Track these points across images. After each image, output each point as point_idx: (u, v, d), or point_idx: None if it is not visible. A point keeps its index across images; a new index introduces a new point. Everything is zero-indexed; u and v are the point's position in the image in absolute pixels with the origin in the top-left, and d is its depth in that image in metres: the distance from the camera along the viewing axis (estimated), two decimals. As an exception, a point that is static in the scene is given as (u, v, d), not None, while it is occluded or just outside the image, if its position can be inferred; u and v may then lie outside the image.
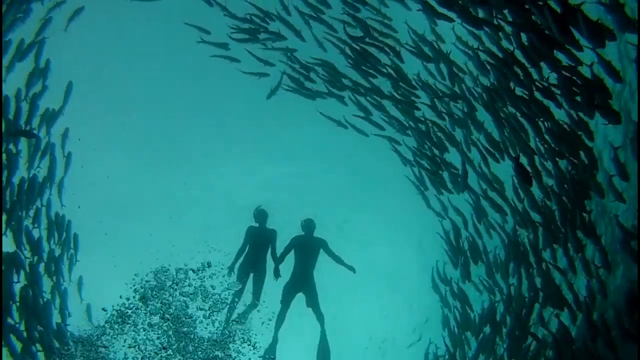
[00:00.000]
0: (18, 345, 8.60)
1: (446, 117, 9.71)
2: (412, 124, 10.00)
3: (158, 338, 7.26)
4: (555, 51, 6.38)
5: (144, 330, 7.19)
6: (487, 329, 9.66)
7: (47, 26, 9.88)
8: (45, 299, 9.11)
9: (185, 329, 7.41)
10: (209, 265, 7.80)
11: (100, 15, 12.01)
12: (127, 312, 7.13)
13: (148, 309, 7.24)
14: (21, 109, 9.46)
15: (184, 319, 7.46)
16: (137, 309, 7.21)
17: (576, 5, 5.71)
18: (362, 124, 10.93)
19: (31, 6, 9.70)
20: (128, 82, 17.27)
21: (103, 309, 7.23)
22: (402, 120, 10.27)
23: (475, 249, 9.92)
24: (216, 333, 7.67)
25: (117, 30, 16.17)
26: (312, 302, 8.39)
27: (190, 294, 7.70)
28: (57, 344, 8.82)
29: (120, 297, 7.15)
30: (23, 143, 9.73)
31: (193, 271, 7.60)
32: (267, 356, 8.11)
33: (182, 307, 7.49)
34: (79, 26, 10.88)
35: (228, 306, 8.27)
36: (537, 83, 7.19)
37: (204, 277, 7.92)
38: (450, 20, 7.57)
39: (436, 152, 9.80)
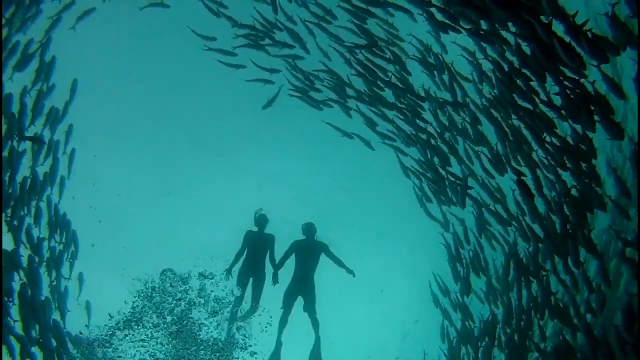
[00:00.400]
0: (16, 345, 8.53)
1: (450, 128, 9.76)
2: (413, 131, 10.02)
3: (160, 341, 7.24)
4: (558, 65, 6.49)
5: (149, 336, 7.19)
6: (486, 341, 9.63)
7: (55, 26, 9.97)
8: (44, 297, 9.05)
9: (187, 334, 7.40)
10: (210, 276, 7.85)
11: (108, 18, 12.04)
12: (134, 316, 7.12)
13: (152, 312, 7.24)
14: (26, 107, 9.52)
15: (186, 323, 7.45)
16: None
17: (580, 25, 5.87)
18: (367, 134, 10.93)
19: (41, 7, 9.80)
20: (131, 85, 17.34)
21: (110, 315, 7.22)
22: (407, 131, 10.27)
23: (477, 262, 9.92)
24: (218, 338, 7.66)
25: (121, 32, 16.25)
26: (309, 307, 8.38)
27: (192, 303, 7.71)
28: (54, 343, 8.74)
29: (125, 302, 7.14)
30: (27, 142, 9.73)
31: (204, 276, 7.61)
32: None
33: (184, 312, 7.48)
34: (87, 27, 10.97)
35: (230, 311, 8.27)
36: (540, 96, 7.31)
37: (205, 284, 7.95)
38: (458, 31, 7.66)
39: (437, 161, 9.83)
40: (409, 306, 17.12)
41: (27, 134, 9.48)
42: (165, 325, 7.41)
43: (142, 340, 7.14)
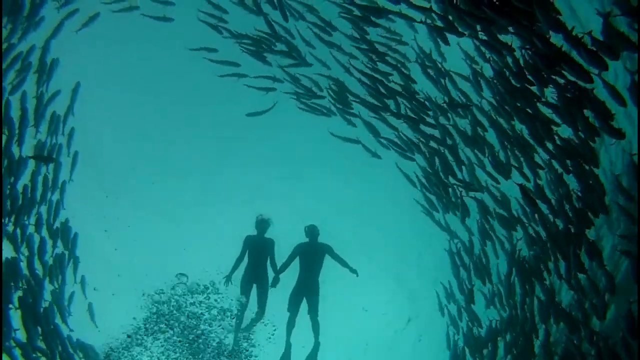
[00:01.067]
0: (18, 352, 8.44)
1: (452, 133, 9.78)
2: (417, 138, 10.03)
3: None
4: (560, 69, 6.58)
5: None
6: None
7: (58, 33, 9.98)
8: (48, 303, 8.97)
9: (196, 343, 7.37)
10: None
11: (108, 21, 12.07)
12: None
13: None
14: (27, 111, 9.47)
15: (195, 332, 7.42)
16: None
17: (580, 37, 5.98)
18: (370, 141, 10.91)
19: (43, 15, 9.81)
20: (132, 90, 17.33)
21: (127, 335, 7.21)
22: (411, 138, 10.25)
23: (482, 269, 9.93)
24: (227, 346, 7.64)
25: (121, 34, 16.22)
26: (312, 309, 8.36)
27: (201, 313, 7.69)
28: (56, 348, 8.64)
29: (134, 318, 7.12)
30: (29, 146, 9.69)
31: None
32: None
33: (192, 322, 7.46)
34: (88, 31, 11.00)
35: (235, 319, 8.22)
36: (541, 100, 7.39)
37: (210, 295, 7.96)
38: (460, 34, 7.67)
39: (439, 167, 9.84)
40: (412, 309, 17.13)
41: (27, 137, 9.45)
42: (176, 336, 7.38)
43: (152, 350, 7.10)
